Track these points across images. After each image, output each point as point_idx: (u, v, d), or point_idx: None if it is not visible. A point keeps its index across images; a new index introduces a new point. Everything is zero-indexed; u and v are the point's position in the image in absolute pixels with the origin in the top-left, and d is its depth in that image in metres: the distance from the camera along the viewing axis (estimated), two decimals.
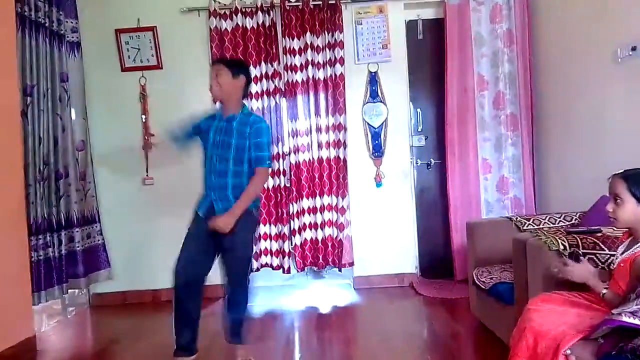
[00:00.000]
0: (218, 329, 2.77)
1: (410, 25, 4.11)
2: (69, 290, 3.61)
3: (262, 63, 3.89)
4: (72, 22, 3.72)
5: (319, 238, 3.97)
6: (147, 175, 3.96)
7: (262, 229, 3.94)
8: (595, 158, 3.04)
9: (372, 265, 4.03)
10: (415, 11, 4.11)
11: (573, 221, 2.79)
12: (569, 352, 1.54)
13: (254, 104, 3.88)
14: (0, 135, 2.84)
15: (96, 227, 3.83)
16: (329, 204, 3.95)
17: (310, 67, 3.90)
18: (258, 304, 3.56)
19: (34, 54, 3.22)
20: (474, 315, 3.01)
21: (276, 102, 3.92)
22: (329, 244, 3.96)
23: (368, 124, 4.02)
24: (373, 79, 4.01)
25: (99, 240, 3.84)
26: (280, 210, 3.97)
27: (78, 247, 3.60)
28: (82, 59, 3.80)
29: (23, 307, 2.97)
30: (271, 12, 3.87)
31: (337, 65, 3.87)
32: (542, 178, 3.87)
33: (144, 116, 3.95)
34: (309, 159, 3.94)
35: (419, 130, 4.14)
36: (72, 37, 3.71)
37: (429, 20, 4.14)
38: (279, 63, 3.91)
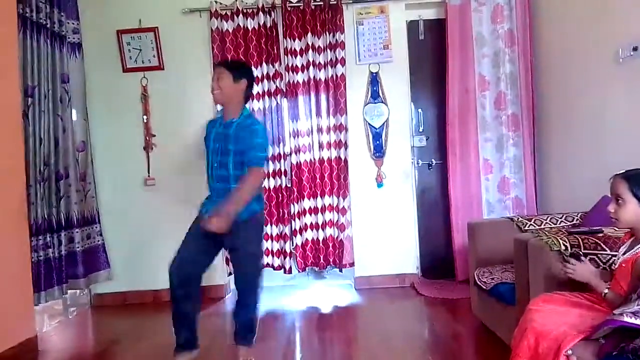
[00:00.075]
0: (218, 329, 2.77)
1: (412, 26, 4.11)
2: (70, 291, 3.61)
3: (264, 64, 3.89)
4: (73, 23, 3.72)
5: (320, 238, 3.97)
6: (148, 176, 3.97)
7: (263, 229, 3.94)
8: (597, 158, 3.03)
9: (373, 266, 4.03)
10: (417, 11, 4.11)
11: (574, 221, 2.79)
12: (570, 352, 1.53)
13: (255, 105, 3.89)
14: (2, 136, 2.84)
15: (96, 227, 3.84)
16: (330, 204, 3.96)
17: (311, 67, 3.90)
18: (259, 304, 3.55)
19: (35, 55, 3.22)
20: (475, 316, 3.01)
21: (277, 103, 3.92)
22: (330, 245, 3.96)
23: (369, 124, 4.02)
24: (374, 80, 4.01)
25: (98, 241, 3.85)
26: (281, 211, 3.97)
27: (78, 247, 3.60)
28: (83, 60, 3.81)
29: (24, 308, 2.98)
30: (272, 13, 3.88)
31: (338, 65, 3.87)
32: (543, 178, 3.86)
33: (145, 117, 3.95)
34: (310, 160, 3.94)
35: (420, 130, 4.14)
36: (73, 38, 3.72)
37: (430, 20, 4.13)
38: (280, 64, 3.91)
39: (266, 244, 3.97)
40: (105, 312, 3.83)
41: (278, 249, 4.00)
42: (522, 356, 1.70)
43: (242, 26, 3.86)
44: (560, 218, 2.83)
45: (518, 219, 2.91)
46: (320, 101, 3.93)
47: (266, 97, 3.92)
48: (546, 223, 2.80)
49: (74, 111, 3.69)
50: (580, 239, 2.06)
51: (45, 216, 3.29)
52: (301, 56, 3.89)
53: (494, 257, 2.84)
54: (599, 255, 2.00)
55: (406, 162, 4.06)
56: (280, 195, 3.96)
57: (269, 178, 3.92)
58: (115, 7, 3.94)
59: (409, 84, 4.09)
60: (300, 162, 3.92)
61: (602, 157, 2.97)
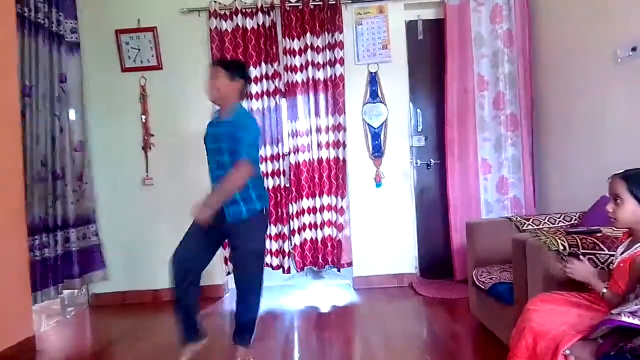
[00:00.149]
0: (218, 329, 2.77)
1: (410, 26, 4.11)
2: (66, 291, 3.61)
3: (262, 63, 3.89)
4: (71, 23, 3.72)
5: (319, 238, 3.97)
6: (147, 175, 3.97)
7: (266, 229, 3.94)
8: (595, 158, 3.04)
9: (372, 266, 4.03)
10: (415, 11, 4.11)
11: (573, 221, 2.79)
12: (568, 352, 1.54)
13: (254, 105, 3.89)
14: (2, 136, 2.84)
15: (92, 227, 3.83)
16: (328, 204, 3.96)
17: (310, 67, 3.90)
18: (260, 304, 3.55)
19: (33, 54, 3.22)
20: (473, 316, 3.01)
21: (276, 103, 3.92)
22: (329, 244, 3.97)
23: (368, 124, 4.02)
24: (373, 80, 4.01)
25: (94, 241, 3.84)
26: (280, 210, 3.97)
27: (74, 247, 3.60)
28: (81, 59, 3.80)
29: (23, 307, 2.97)
30: (271, 13, 3.88)
31: (337, 65, 3.87)
32: (541, 178, 3.87)
33: (143, 116, 3.95)
34: (309, 159, 3.94)
35: (419, 130, 4.14)
36: (71, 38, 3.71)
37: (429, 20, 4.14)
38: (279, 63, 3.91)
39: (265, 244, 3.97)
40: (103, 312, 3.83)
41: (277, 249, 4.00)
42: (520, 356, 1.70)
43: (241, 26, 3.86)
44: (559, 218, 2.83)
45: (516, 218, 2.91)
46: (319, 101, 3.92)
47: (265, 96, 3.92)
48: (544, 223, 2.81)
49: (71, 111, 3.69)
50: (578, 239, 2.05)
51: (42, 216, 3.29)
52: (300, 56, 3.89)
53: (492, 256, 2.85)
54: (597, 255, 2.00)
55: (405, 162, 4.06)
56: (278, 195, 3.96)
57: (267, 178, 3.92)
58: (114, 7, 3.94)
59: (408, 83, 4.09)
60: (299, 161, 3.92)
61: (601, 157, 2.97)
